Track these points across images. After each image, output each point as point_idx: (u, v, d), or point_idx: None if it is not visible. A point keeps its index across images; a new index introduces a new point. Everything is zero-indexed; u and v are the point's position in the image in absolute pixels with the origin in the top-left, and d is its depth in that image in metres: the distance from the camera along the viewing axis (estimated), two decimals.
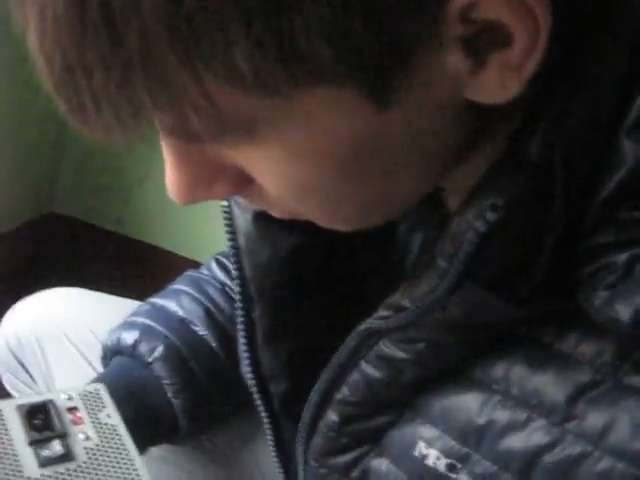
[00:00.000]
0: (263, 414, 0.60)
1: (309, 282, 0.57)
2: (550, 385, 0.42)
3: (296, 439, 0.55)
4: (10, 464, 0.47)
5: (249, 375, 0.59)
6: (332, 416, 0.50)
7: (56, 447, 0.49)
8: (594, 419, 0.40)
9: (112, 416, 0.54)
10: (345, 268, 0.57)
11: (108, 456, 0.50)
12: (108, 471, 0.49)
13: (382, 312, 0.47)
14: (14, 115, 1.81)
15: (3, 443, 0.48)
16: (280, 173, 0.39)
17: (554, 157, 0.37)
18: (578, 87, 0.37)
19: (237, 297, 0.57)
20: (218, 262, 0.80)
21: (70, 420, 0.52)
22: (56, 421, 0.51)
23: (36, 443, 0.49)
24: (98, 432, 0.52)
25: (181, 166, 0.41)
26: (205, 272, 0.80)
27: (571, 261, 0.39)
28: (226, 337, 0.74)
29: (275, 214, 0.47)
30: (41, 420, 0.51)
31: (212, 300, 0.76)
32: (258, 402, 0.59)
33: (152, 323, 0.73)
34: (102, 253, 1.90)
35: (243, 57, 0.32)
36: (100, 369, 0.82)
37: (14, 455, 0.48)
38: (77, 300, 0.90)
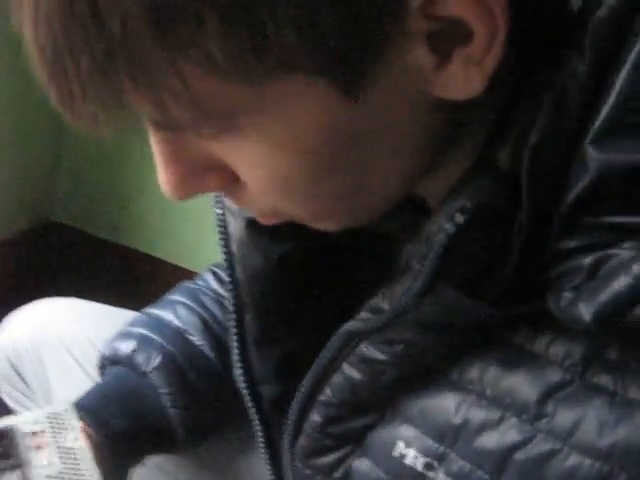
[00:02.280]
0: (254, 417, 0.60)
1: (299, 288, 0.58)
2: (522, 385, 0.43)
3: (282, 441, 0.55)
4: None
5: (240, 378, 0.60)
6: (315, 417, 0.51)
7: (14, 478, 0.48)
8: (563, 417, 0.42)
9: (78, 439, 0.52)
10: (336, 275, 0.58)
11: None
12: None
13: (362, 314, 0.48)
14: (13, 123, 1.81)
15: None
16: (260, 166, 0.41)
17: (521, 165, 0.39)
18: (543, 97, 0.38)
19: (229, 302, 0.58)
20: (214, 273, 0.81)
21: (33, 446, 0.50)
22: (17, 449, 0.50)
23: None
24: (62, 457, 0.50)
25: (171, 163, 0.43)
26: (200, 282, 0.81)
27: (540, 265, 0.41)
28: (222, 347, 0.74)
29: (260, 217, 0.48)
30: (2, 448, 0.49)
31: (208, 310, 0.76)
32: (249, 405, 0.60)
33: (148, 333, 0.74)
34: (98, 262, 1.90)
35: (216, 45, 0.34)
36: (98, 379, 0.82)
37: None
38: (75, 310, 0.90)
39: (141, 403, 0.71)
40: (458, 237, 0.40)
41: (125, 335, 0.74)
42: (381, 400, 0.49)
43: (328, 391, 0.50)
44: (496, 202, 0.40)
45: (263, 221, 0.49)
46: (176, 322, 0.75)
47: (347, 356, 0.49)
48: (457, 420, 0.45)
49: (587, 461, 0.40)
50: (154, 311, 0.77)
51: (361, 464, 0.50)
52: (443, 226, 0.41)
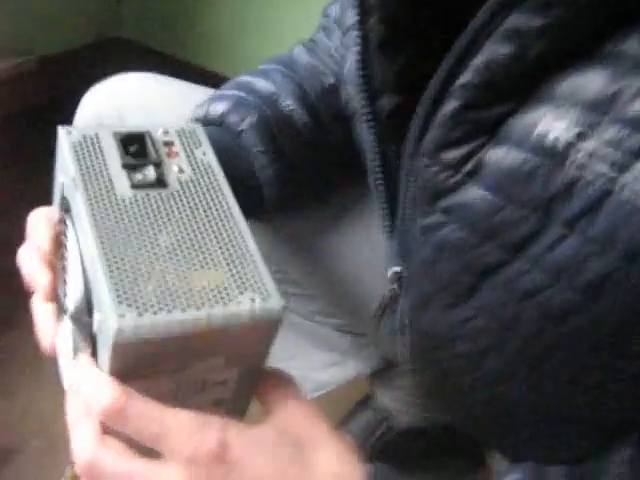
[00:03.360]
0: (369, 130, 0.57)
1: None
2: None
3: (408, 138, 0.52)
4: (103, 183, 0.47)
5: (358, 89, 0.56)
6: (452, 104, 0.48)
7: (150, 172, 0.48)
8: None
9: (207, 154, 0.52)
10: None
11: (201, 189, 0.49)
12: (200, 202, 0.48)
13: None
14: None
15: (98, 164, 0.48)
16: None
17: None
18: None
19: (356, 10, 0.55)
20: (304, 46, 0.78)
21: (165, 152, 0.50)
22: (151, 150, 0.50)
23: (130, 167, 0.48)
24: (192, 167, 0.50)
25: None
26: (289, 56, 0.77)
27: None
28: (317, 114, 0.72)
29: None
30: (137, 147, 0.49)
31: (301, 78, 0.73)
32: (364, 118, 0.57)
33: (243, 94, 0.70)
34: None
35: None
36: None
37: (107, 176, 0.47)
38: (159, 84, 0.87)
39: (234, 161, 0.68)
40: None
41: (217, 97, 0.71)
42: (525, 82, 0.46)
43: (468, 74, 0.47)
44: None
45: None
46: (270, 87, 0.72)
47: (493, 31, 0.45)
48: (610, 90, 0.42)
49: None
50: (246, 78, 0.74)
51: (496, 153, 0.47)
52: None
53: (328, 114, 0.72)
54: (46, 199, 0.54)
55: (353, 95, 0.58)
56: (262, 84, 0.72)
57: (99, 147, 0.49)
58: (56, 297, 0.51)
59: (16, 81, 1.78)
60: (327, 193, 0.78)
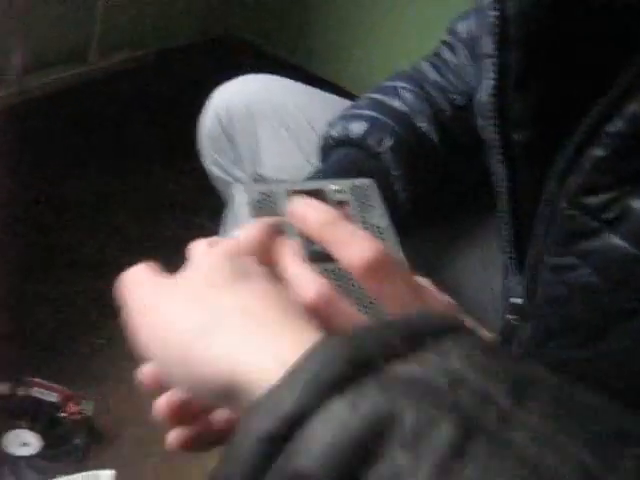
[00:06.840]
0: (501, 164, 0.56)
1: (571, 28, 0.52)
2: None
3: (549, 176, 0.51)
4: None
5: (491, 122, 0.55)
6: (598, 151, 0.47)
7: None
8: None
9: (382, 218, 0.49)
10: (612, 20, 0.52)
11: None
12: None
13: None
14: None
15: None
16: None
17: None
18: None
19: (493, 39, 0.54)
20: (430, 64, 0.77)
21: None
22: None
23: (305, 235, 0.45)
24: None
25: None
26: (418, 74, 0.77)
27: None
28: (448, 135, 0.72)
29: None
30: None
31: (432, 98, 0.74)
32: (498, 151, 0.56)
33: (379, 115, 0.71)
34: None
35: None
36: (312, 159, 0.81)
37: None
38: (288, 86, 0.89)
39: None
40: None
41: (354, 117, 0.72)
42: None
43: (619, 122, 0.45)
44: None
45: None
46: (403, 107, 0.72)
47: None
48: None
49: None
50: (378, 96, 0.75)
51: None
52: None
53: (459, 134, 0.72)
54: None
55: (485, 126, 0.57)
56: (396, 104, 0.73)
57: (276, 209, 0.46)
58: None
59: (136, 72, 1.83)
60: (452, 214, 0.78)
